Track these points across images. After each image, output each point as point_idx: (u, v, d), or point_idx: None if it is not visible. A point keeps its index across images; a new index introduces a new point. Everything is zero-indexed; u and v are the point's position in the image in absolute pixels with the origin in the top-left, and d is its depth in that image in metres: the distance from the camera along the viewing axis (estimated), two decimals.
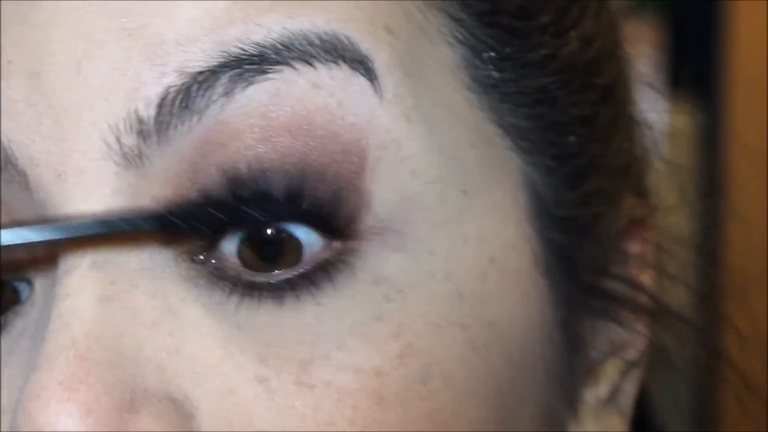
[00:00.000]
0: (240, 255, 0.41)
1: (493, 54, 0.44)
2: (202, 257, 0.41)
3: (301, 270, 0.41)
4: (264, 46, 0.40)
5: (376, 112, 0.41)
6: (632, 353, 0.49)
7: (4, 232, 0.40)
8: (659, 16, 1.32)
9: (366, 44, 0.41)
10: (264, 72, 0.40)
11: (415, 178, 0.42)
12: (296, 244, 0.41)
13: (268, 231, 0.41)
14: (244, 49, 0.40)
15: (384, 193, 0.41)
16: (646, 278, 0.49)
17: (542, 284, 0.45)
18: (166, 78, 0.40)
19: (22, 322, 0.42)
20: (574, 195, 0.46)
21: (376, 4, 0.42)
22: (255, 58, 0.40)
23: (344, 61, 0.41)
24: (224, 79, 0.40)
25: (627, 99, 0.51)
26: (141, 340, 0.40)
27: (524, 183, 0.45)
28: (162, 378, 0.39)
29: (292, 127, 0.40)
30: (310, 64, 0.40)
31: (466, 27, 0.44)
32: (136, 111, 0.40)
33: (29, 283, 0.42)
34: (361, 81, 0.41)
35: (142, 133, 0.40)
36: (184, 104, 0.40)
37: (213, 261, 0.41)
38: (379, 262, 0.41)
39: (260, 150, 0.40)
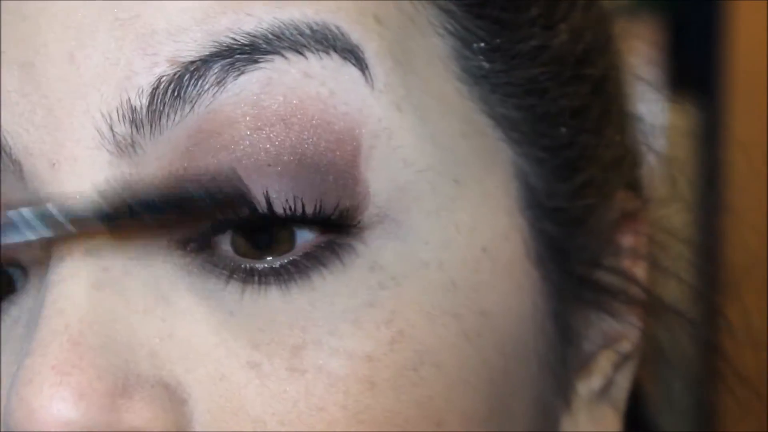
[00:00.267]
0: (233, 243, 0.41)
1: (483, 45, 0.44)
2: (195, 245, 0.41)
3: (294, 257, 0.41)
4: (255, 36, 0.40)
5: (367, 102, 0.41)
6: (626, 346, 0.49)
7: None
8: (659, 16, 1.32)
9: (356, 34, 0.41)
10: (255, 61, 0.40)
11: (407, 167, 0.42)
12: (290, 232, 0.41)
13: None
14: (235, 39, 0.40)
15: (379, 181, 0.41)
16: (639, 270, 0.49)
17: (534, 275, 0.45)
18: (158, 67, 0.40)
19: (17, 310, 0.42)
20: (566, 186, 0.46)
21: None
22: (246, 48, 0.40)
23: (335, 50, 0.41)
24: (216, 68, 0.40)
25: (620, 92, 0.51)
26: (134, 326, 0.40)
27: (515, 174, 0.45)
28: (155, 363, 0.40)
29: (285, 116, 0.40)
30: (301, 54, 0.41)
31: (456, 18, 0.44)
32: (128, 100, 0.40)
33: (24, 271, 0.43)
34: (352, 70, 0.41)
35: (134, 122, 0.40)
36: (176, 93, 0.40)
37: (206, 249, 0.41)
38: (375, 250, 0.41)
39: (254, 139, 0.40)
